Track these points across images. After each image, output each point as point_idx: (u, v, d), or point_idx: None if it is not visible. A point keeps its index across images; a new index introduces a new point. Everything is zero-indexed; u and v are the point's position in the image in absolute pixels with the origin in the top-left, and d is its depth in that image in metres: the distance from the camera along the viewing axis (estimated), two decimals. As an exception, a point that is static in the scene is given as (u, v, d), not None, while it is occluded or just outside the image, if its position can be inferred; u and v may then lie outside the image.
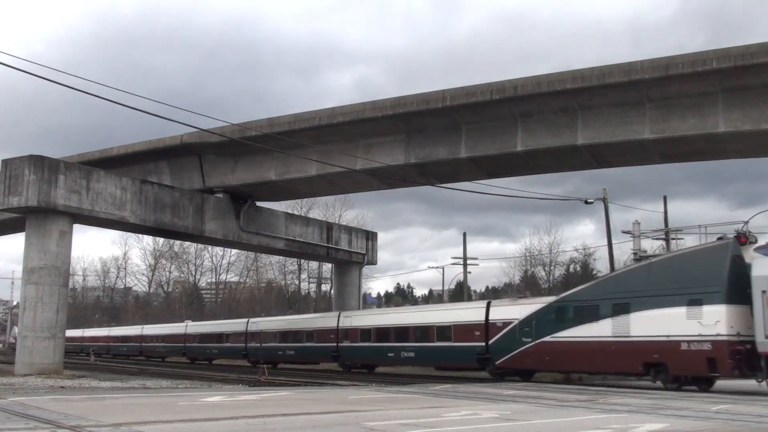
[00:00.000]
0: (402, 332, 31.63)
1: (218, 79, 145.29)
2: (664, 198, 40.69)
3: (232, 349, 44.35)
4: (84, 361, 47.62)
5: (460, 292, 57.55)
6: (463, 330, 28.41)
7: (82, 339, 67.49)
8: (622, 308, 22.29)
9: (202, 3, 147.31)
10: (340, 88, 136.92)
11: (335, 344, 35.05)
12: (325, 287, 73.05)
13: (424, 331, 30.45)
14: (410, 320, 32.24)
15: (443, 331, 29.39)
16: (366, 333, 33.66)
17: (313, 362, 38.26)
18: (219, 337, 46.44)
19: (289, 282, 78.84)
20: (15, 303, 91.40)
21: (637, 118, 24.17)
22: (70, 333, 52.78)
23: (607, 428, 10.48)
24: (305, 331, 38.04)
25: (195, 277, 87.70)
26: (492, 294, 70.37)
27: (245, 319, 45.11)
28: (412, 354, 30.85)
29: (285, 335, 39.82)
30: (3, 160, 28.60)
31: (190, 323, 52.48)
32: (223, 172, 33.25)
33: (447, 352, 29.19)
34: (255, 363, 41.24)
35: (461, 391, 19.57)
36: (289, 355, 39.08)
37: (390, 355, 31.98)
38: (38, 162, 27.75)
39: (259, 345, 41.42)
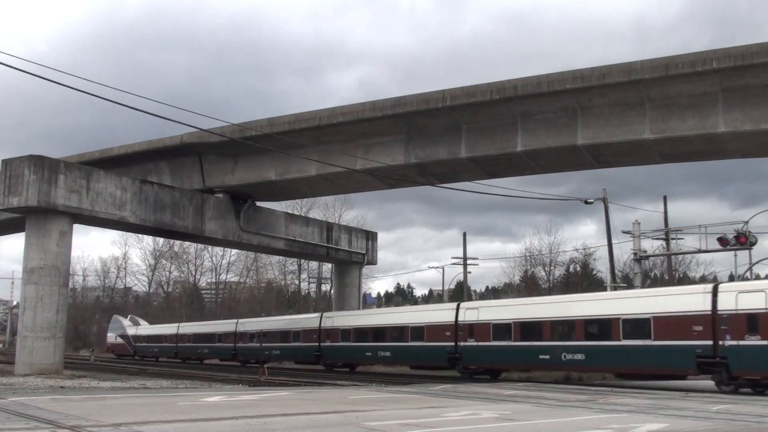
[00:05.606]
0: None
1: (223, 79, 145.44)
2: (664, 198, 40.81)
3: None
4: (84, 361, 47.64)
5: (461, 292, 57.48)
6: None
7: None
8: None
9: (207, 3, 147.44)
10: (343, 89, 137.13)
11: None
12: (325, 287, 73.04)
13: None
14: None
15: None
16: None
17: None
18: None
19: (289, 282, 78.88)
20: (15, 303, 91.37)
21: (637, 118, 24.13)
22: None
23: (607, 428, 10.49)
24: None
25: (195, 277, 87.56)
26: (492, 294, 70.36)
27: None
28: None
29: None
30: (3, 160, 28.59)
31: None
32: (223, 172, 33.23)
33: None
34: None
35: (461, 391, 19.56)
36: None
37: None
38: (38, 162, 27.73)
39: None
